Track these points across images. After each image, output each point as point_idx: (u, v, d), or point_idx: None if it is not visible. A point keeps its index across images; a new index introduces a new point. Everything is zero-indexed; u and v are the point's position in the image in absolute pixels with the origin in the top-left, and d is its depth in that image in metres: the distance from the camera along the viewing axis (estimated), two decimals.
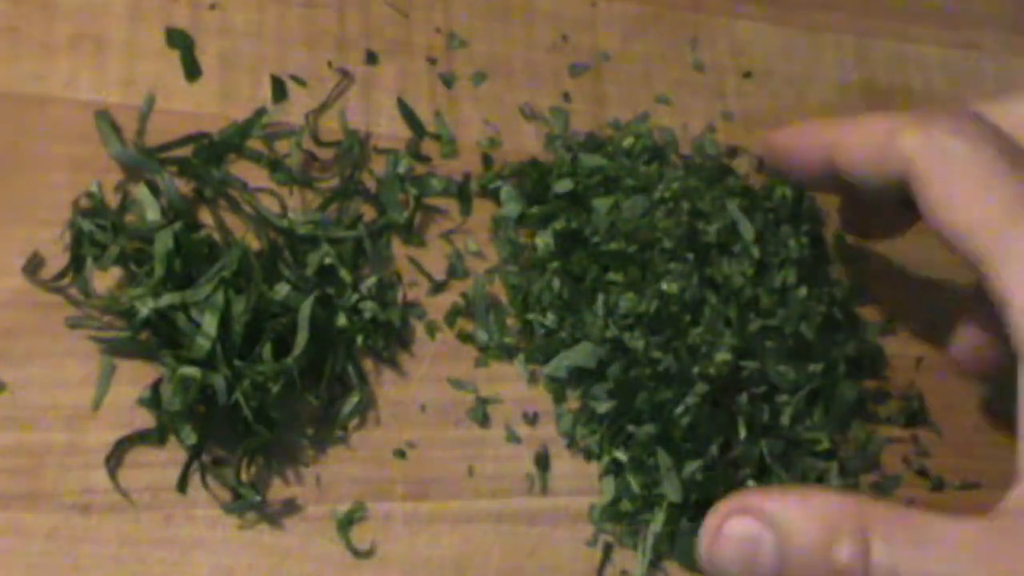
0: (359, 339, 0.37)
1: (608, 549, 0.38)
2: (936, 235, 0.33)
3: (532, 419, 0.39)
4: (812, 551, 0.29)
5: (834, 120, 0.38)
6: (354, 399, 0.37)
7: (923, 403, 0.44)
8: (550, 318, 0.38)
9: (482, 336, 0.39)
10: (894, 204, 0.36)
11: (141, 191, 0.36)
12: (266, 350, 0.34)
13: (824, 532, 0.29)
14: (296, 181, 0.39)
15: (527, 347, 0.39)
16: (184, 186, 0.37)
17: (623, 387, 0.37)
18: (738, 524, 0.30)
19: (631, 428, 0.37)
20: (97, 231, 0.35)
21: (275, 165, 0.39)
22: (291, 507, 0.35)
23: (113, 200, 0.37)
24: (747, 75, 0.49)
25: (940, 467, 0.43)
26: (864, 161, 0.35)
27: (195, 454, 0.34)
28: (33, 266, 0.35)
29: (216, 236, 0.37)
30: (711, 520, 0.30)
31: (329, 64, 0.42)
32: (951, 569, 0.27)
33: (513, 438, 0.38)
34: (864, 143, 0.35)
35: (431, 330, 0.39)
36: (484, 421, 0.38)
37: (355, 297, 0.37)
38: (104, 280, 0.35)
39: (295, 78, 0.41)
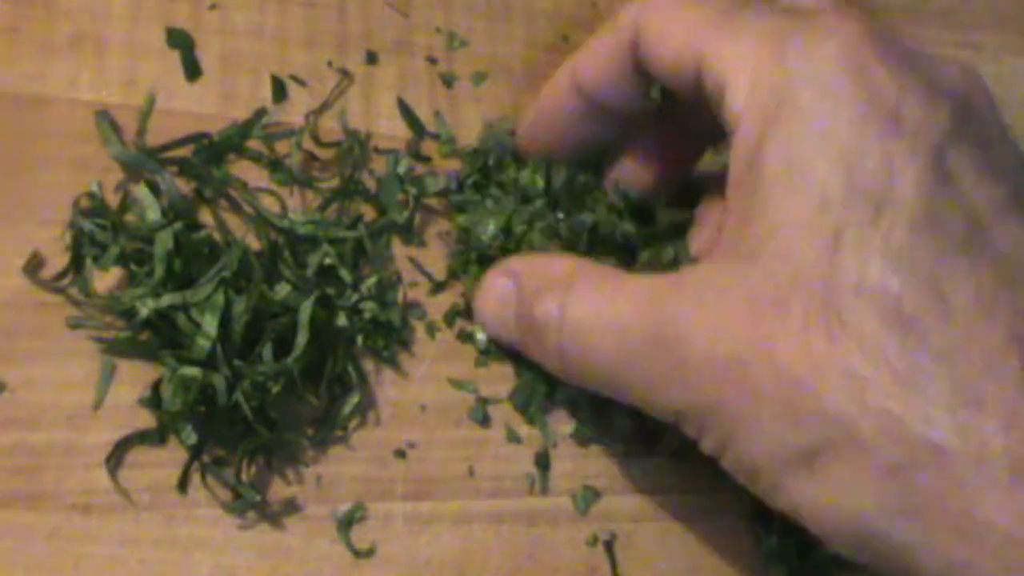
0: (359, 339, 0.37)
1: (610, 549, 0.38)
2: (667, 83, 0.33)
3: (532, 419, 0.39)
4: (526, 304, 0.34)
5: (565, 65, 0.37)
6: (354, 399, 0.37)
7: None
8: None
9: (481, 337, 0.39)
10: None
11: (141, 191, 0.36)
12: (266, 350, 0.34)
13: (537, 286, 0.34)
14: (296, 181, 0.39)
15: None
16: (184, 186, 0.37)
17: None
18: (496, 279, 0.37)
19: None
20: (97, 231, 0.35)
21: (275, 165, 0.39)
22: (291, 507, 0.35)
23: (113, 200, 0.37)
24: None
25: None
26: (608, 69, 0.35)
27: (195, 454, 0.34)
28: (33, 266, 0.35)
29: (216, 236, 0.37)
30: (483, 279, 0.37)
31: (329, 64, 0.42)
32: (620, 316, 0.31)
33: (513, 438, 0.38)
34: (600, 49, 0.35)
35: (431, 330, 0.39)
36: (484, 421, 0.38)
37: (355, 297, 0.37)
38: (104, 280, 0.35)
39: (295, 78, 0.41)
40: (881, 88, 0.28)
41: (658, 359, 0.29)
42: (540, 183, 0.39)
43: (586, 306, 0.32)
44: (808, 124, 0.28)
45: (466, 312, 0.39)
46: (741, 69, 0.29)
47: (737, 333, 0.28)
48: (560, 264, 0.34)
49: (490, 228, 0.39)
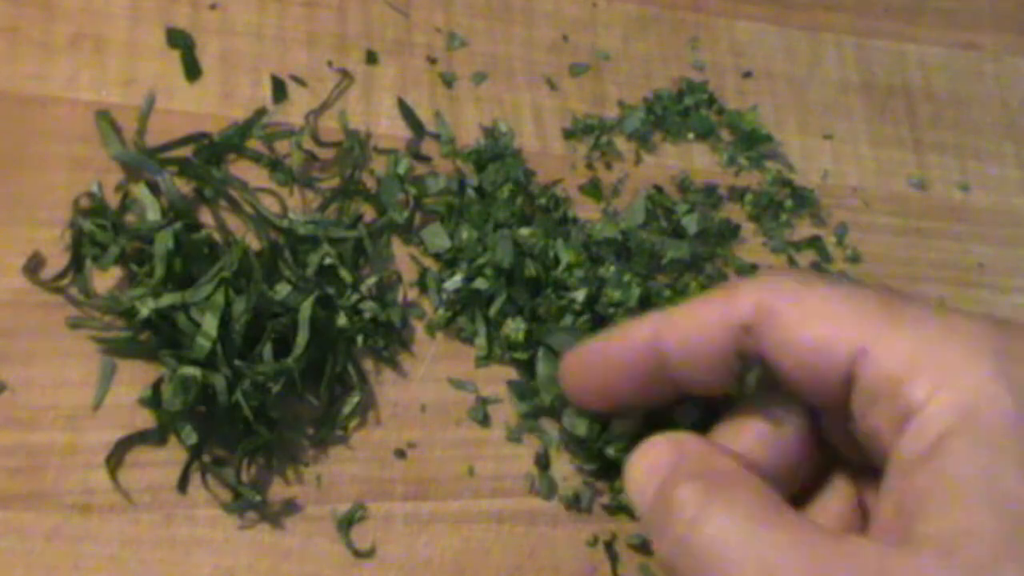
0: (359, 339, 0.37)
1: (610, 549, 0.38)
2: (790, 372, 0.30)
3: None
4: (672, 479, 0.30)
5: (644, 319, 0.33)
6: (354, 399, 0.37)
7: None
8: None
9: (482, 337, 0.39)
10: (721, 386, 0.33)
11: (141, 191, 0.36)
12: (266, 350, 0.34)
13: (693, 468, 0.30)
14: (296, 181, 0.39)
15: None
16: (184, 186, 0.37)
17: None
18: (657, 446, 0.32)
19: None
20: (97, 231, 0.35)
21: (275, 165, 0.39)
22: (291, 507, 0.35)
23: (113, 200, 0.37)
24: (747, 75, 0.49)
25: None
26: (703, 343, 0.31)
27: (195, 454, 0.34)
28: (33, 266, 0.35)
29: (216, 236, 0.37)
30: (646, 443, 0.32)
31: (329, 64, 0.42)
32: (772, 555, 0.27)
33: (513, 438, 0.38)
34: (696, 321, 0.32)
35: (431, 330, 0.39)
36: (484, 421, 0.38)
37: (355, 297, 0.37)
38: (104, 280, 0.35)
39: (295, 78, 0.41)
40: None
41: None
42: None
43: (734, 521, 0.28)
44: (1013, 441, 0.26)
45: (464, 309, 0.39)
46: (925, 364, 0.27)
47: None
48: (723, 460, 0.31)
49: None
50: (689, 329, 0.32)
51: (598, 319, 0.39)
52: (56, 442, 0.34)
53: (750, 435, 0.32)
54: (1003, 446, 0.26)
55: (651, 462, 0.31)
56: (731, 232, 0.44)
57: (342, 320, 0.36)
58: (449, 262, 0.40)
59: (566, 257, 0.39)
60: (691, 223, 0.43)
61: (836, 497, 0.33)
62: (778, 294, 0.30)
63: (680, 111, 0.47)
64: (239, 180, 0.38)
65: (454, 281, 0.39)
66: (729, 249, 0.44)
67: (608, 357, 0.34)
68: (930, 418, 0.27)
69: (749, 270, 0.44)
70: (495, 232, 0.39)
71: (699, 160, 0.46)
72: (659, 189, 0.44)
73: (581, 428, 0.37)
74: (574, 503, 0.38)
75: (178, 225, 0.35)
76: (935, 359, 0.27)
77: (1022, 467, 0.26)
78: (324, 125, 0.41)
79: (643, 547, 0.38)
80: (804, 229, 0.47)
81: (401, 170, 0.40)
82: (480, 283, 0.39)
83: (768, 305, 0.30)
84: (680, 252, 0.41)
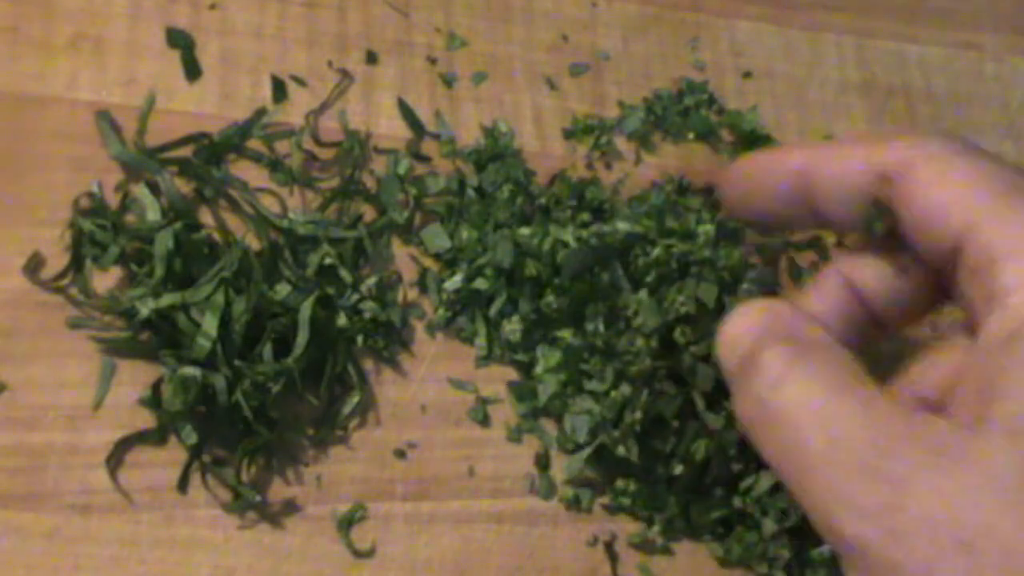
0: (359, 339, 0.37)
1: (611, 551, 0.38)
2: (912, 230, 0.31)
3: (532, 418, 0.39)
4: (762, 340, 0.31)
5: (802, 146, 0.36)
6: (354, 399, 0.37)
7: None
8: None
9: (482, 337, 0.39)
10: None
11: (141, 191, 0.36)
12: (266, 350, 0.34)
13: (782, 330, 0.31)
14: (296, 181, 0.39)
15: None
16: (184, 186, 0.37)
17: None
18: (749, 310, 0.33)
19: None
20: (97, 231, 0.35)
21: (275, 165, 0.39)
22: (291, 507, 0.35)
23: (113, 200, 0.37)
24: (747, 75, 0.49)
25: None
26: (845, 180, 0.33)
27: (195, 454, 0.34)
28: (33, 266, 0.35)
29: (216, 236, 0.37)
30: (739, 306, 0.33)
31: (329, 64, 0.42)
32: (844, 423, 0.28)
33: (513, 438, 0.38)
34: (845, 159, 0.33)
35: (431, 330, 0.39)
36: (484, 421, 0.38)
37: (355, 297, 0.37)
38: (104, 280, 0.35)
39: (295, 78, 0.41)
40: None
41: (867, 491, 0.27)
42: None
43: (811, 388, 0.29)
44: None
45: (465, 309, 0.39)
46: (1020, 249, 0.28)
47: (970, 507, 0.26)
48: (813, 329, 0.32)
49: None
50: (835, 166, 0.33)
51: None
52: (56, 442, 0.34)
53: (869, 272, 0.33)
54: None
55: (744, 325, 0.32)
56: (733, 234, 0.44)
57: (342, 320, 0.36)
58: (449, 262, 0.40)
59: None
60: (709, 231, 0.42)
61: (936, 368, 0.33)
62: (922, 153, 0.31)
63: (680, 111, 0.47)
64: (239, 180, 0.38)
65: (454, 281, 0.39)
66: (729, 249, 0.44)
67: (762, 172, 0.35)
68: (1019, 303, 0.27)
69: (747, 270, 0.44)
70: (495, 232, 0.39)
71: (699, 160, 0.46)
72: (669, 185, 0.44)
73: (582, 433, 0.38)
74: (574, 503, 0.38)
75: (178, 225, 0.35)
76: None
77: None
78: (324, 125, 0.41)
79: (643, 547, 0.38)
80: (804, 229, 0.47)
81: (401, 170, 0.40)
82: (480, 283, 0.39)
83: (909, 160, 0.31)
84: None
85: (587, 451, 0.38)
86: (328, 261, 0.37)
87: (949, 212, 0.30)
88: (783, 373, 0.30)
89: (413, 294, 0.39)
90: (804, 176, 0.34)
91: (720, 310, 0.40)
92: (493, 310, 0.39)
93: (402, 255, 0.40)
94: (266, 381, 0.34)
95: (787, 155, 0.35)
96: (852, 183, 0.33)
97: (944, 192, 0.30)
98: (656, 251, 0.40)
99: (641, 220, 0.41)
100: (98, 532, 0.33)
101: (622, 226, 0.40)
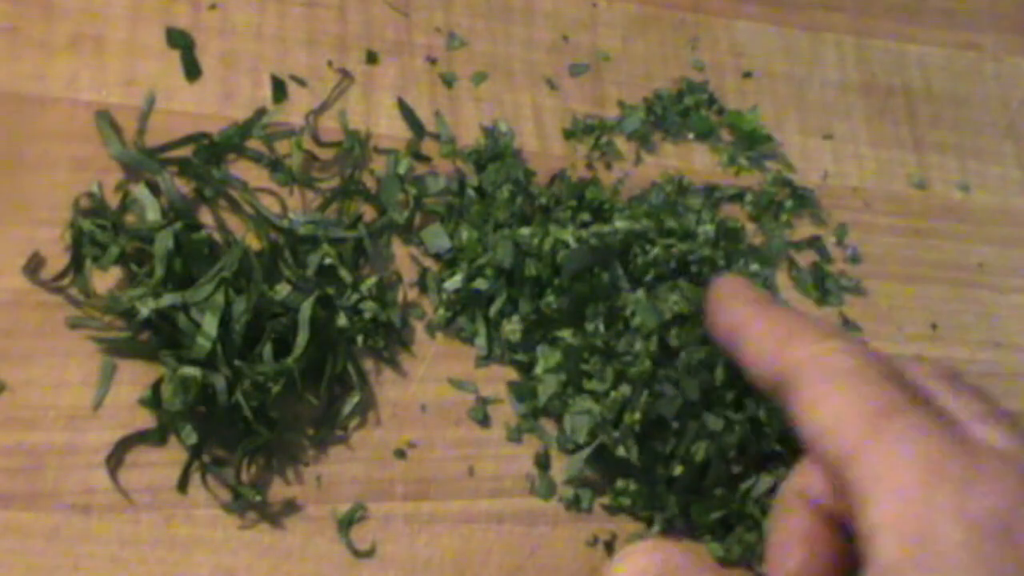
0: (359, 339, 0.37)
1: (610, 549, 0.38)
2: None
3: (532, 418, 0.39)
4: None
5: (752, 297, 0.36)
6: (354, 399, 0.37)
7: None
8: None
9: (482, 337, 0.39)
10: None
11: (141, 191, 0.36)
12: (266, 350, 0.34)
13: None
14: (296, 181, 0.39)
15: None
16: (184, 186, 0.37)
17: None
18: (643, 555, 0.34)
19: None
20: (97, 231, 0.35)
21: (275, 165, 0.39)
22: (291, 507, 0.35)
23: (113, 200, 0.37)
24: (747, 75, 0.49)
25: None
26: (757, 358, 0.34)
27: (195, 454, 0.34)
28: (33, 266, 0.35)
29: (216, 236, 0.37)
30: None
31: (329, 64, 0.42)
32: None
33: (513, 438, 0.38)
34: (762, 337, 0.34)
35: (431, 330, 0.39)
36: (484, 421, 0.38)
37: (355, 297, 0.37)
38: (104, 280, 0.35)
39: (295, 78, 0.41)
40: None
41: None
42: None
43: None
44: (959, 572, 0.27)
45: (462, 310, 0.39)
46: (888, 488, 0.28)
47: None
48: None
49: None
50: (749, 353, 0.34)
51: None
52: (56, 442, 0.34)
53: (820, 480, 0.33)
54: None
55: (635, 570, 0.33)
56: (733, 234, 0.44)
57: (342, 320, 0.36)
58: (449, 262, 0.40)
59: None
60: (708, 231, 0.42)
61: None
62: (811, 366, 0.31)
63: (680, 111, 0.47)
64: (239, 180, 0.38)
65: (454, 281, 0.39)
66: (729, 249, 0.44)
67: (714, 310, 0.36)
68: (884, 546, 0.28)
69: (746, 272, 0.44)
70: (495, 232, 0.39)
71: (699, 160, 0.46)
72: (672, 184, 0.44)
73: (581, 433, 0.38)
74: (574, 503, 0.38)
75: (178, 225, 0.35)
76: (899, 483, 0.28)
77: None
78: (324, 125, 0.41)
79: None
80: (804, 229, 0.47)
81: (401, 170, 0.40)
82: (480, 283, 0.39)
83: (798, 374, 0.32)
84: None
85: (587, 451, 0.38)
86: (328, 261, 0.37)
87: (826, 441, 0.30)
88: None
89: (413, 294, 0.39)
90: (735, 332, 0.35)
91: None
92: (493, 310, 0.39)
93: (402, 255, 0.40)
94: (266, 381, 0.34)
95: (723, 312, 0.36)
96: (760, 373, 0.33)
97: (821, 418, 0.30)
98: (655, 250, 0.40)
99: (640, 219, 0.41)
100: (98, 532, 0.33)
101: (621, 225, 0.40)
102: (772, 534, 0.34)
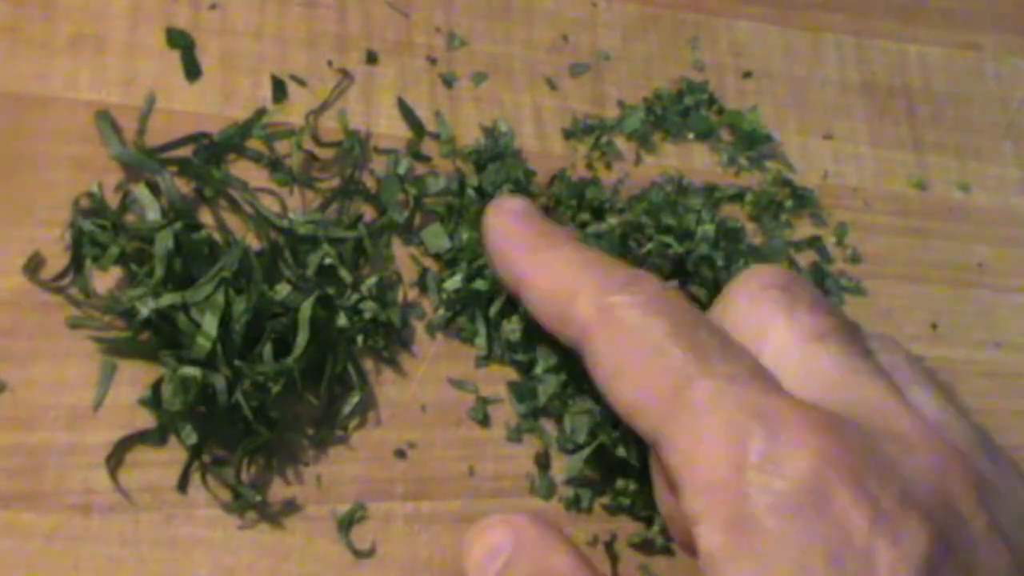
0: (359, 339, 0.37)
1: (610, 549, 0.38)
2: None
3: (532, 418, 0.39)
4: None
5: (529, 240, 0.34)
6: (354, 399, 0.37)
7: None
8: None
9: (482, 337, 0.39)
10: None
11: (141, 191, 0.36)
12: (266, 350, 0.34)
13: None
14: (296, 181, 0.39)
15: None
16: (184, 186, 0.37)
17: None
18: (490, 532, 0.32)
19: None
20: (97, 231, 0.35)
21: (275, 165, 0.39)
22: (291, 507, 0.35)
23: (113, 200, 0.37)
24: (747, 75, 0.49)
25: None
26: (546, 318, 0.32)
27: (195, 454, 0.34)
28: (33, 266, 0.35)
29: (216, 236, 0.37)
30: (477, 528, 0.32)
31: (329, 64, 0.42)
32: None
33: (513, 438, 0.38)
34: (546, 295, 0.32)
35: (431, 330, 0.39)
36: (484, 421, 0.38)
37: (355, 297, 0.37)
38: (104, 280, 0.35)
39: (295, 78, 0.41)
40: (850, 523, 0.25)
41: None
42: None
43: None
44: (779, 564, 0.25)
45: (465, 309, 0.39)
46: (696, 476, 0.27)
47: None
48: (560, 558, 0.31)
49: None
50: (538, 299, 0.33)
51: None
52: (56, 442, 0.34)
53: None
54: (768, 563, 0.25)
55: (487, 547, 0.31)
56: (733, 234, 0.44)
57: (342, 320, 0.36)
58: (449, 262, 0.40)
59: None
60: (708, 231, 0.42)
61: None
62: (603, 330, 0.30)
63: (680, 111, 0.47)
64: (239, 180, 0.38)
65: (454, 281, 0.39)
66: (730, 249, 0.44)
67: (491, 250, 0.36)
68: (703, 537, 0.27)
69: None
70: None
71: (699, 160, 0.46)
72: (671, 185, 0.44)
73: (581, 433, 0.38)
74: (574, 503, 0.38)
75: (178, 225, 0.35)
76: (707, 467, 0.27)
77: None
78: (324, 125, 0.41)
79: (643, 547, 0.38)
80: (804, 229, 0.47)
81: (401, 170, 0.40)
82: (480, 284, 0.39)
83: (592, 341, 0.30)
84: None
85: (587, 451, 0.38)
86: (328, 261, 0.37)
87: (632, 418, 0.29)
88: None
89: (413, 294, 0.39)
90: (518, 284, 0.33)
91: None
92: (493, 310, 0.39)
93: (402, 255, 0.40)
94: (266, 381, 0.34)
95: (502, 263, 0.34)
96: (554, 330, 0.32)
97: (620, 394, 0.29)
98: (649, 245, 0.40)
99: (636, 211, 0.41)
100: (98, 532, 0.33)
101: (613, 220, 0.40)
102: (652, 471, 0.33)
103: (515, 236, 0.34)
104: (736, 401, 0.27)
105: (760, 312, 0.30)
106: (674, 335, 0.29)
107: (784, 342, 0.29)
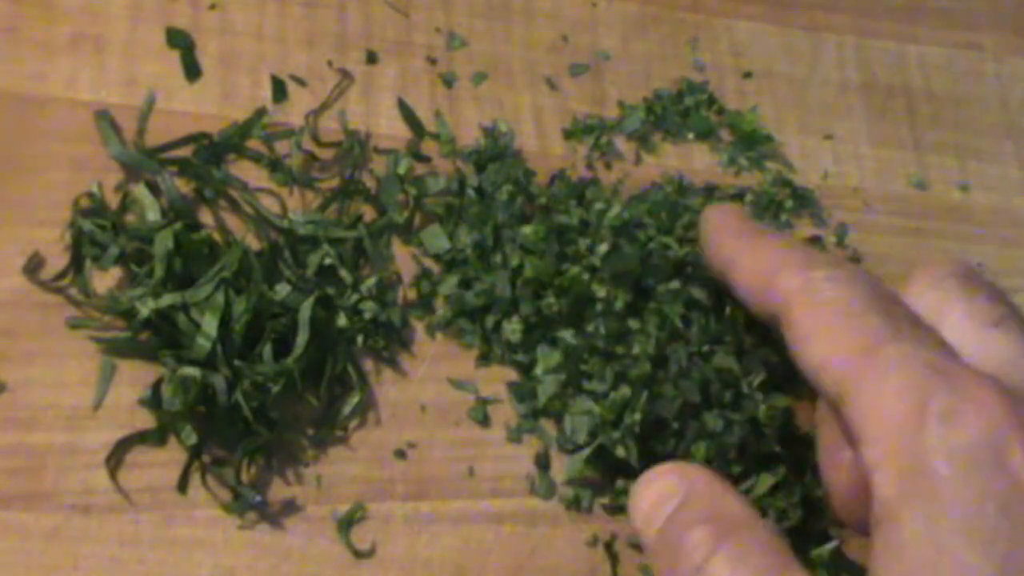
0: (359, 339, 0.37)
1: (611, 551, 0.38)
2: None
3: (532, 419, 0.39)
4: (681, 520, 0.31)
5: (740, 229, 0.36)
6: (354, 399, 0.37)
7: None
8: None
9: (481, 338, 0.39)
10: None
11: (141, 191, 0.36)
12: (266, 350, 0.34)
13: (702, 512, 0.31)
14: (296, 181, 0.39)
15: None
16: (184, 186, 0.37)
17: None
18: (665, 477, 0.32)
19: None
20: (97, 231, 0.35)
21: (275, 165, 0.39)
22: (291, 507, 0.35)
23: (113, 200, 0.37)
24: (747, 75, 0.49)
25: None
26: (749, 291, 0.34)
27: (195, 454, 0.34)
28: (33, 266, 0.35)
29: (216, 236, 0.37)
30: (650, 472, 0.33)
31: (329, 64, 0.42)
32: None
33: (513, 438, 0.38)
34: (752, 271, 0.34)
35: (431, 330, 0.39)
36: (484, 421, 0.38)
37: (355, 297, 0.37)
38: (104, 280, 0.35)
39: (295, 78, 0.41)
40: (1023, 480, 0.27)
41: None
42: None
43: (739, 573, 0.29)
44: (953, 509, 0.27)
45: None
46: (878, 426, 0.28)
47: None
48: (733, 504, 0.31)
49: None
50: (743, 275, 0.34)
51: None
52: (56, 442, 0.34)
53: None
54: (941, 518, 0.27)
55: (659, 493, 0.32)
56: None
57: (342, 320, 0.36)
58: (449, 263, 0.40)
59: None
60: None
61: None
62: (803, 302, 0.31)
63: (680, 111, 0.47)
64: (239, 180, 0.38)
65: (449, 285, 0.39)
66: None
67: (707, 242, 0.37)
68: (880, 484, 0.28)
69: None
70: (492, 232, 0.39)
71: (699, 160, 0.46)
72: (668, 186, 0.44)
73: (581, 434, 0.38)
74: (574, 503, 0.38)
75: (178, 225, 0.35)
76: (888, 420, 0.28)
77: (963, 534, 0.26)
78: (324, 125, 0.41)
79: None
80: (804, 229, 0.47)
81: (401, 170, 0.40)
82: (477, 300, 0.39)
83: (791, 311, 0.32)
84: None
85: (587, 451, 0.38)
86: (328, 261, 0.37)
87: (819, 379, 0.30)
88: (708, 556, 0.29)
89: (413, 294, 0.39)
90: (727, 265, 0.35)
91: (720, 310, 0.40)
92: (489, 322, 0.39)
93: (402, 255, 0.40)
94: (266, 381, 0.34)
95: (714, 248, 0.36)
96: (756, 309, 0.34)
97: (812, 355, 0.30)
98: (651, 245, 0.40)
99: (636, 211, 0.41)
100: (98, 532, 0.33)
101: (613, 211, 0.40)
102: (819, 439, 0.34)
103: (728, 223, 0.36)
104: (922, 361, 0.29)
105: (940, 296, 0.32)
106: (871, 304, 0.30)
107: (963, 325, 0.31)
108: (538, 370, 0.39)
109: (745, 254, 0.35)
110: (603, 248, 0.39)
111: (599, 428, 0.37)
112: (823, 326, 0.31)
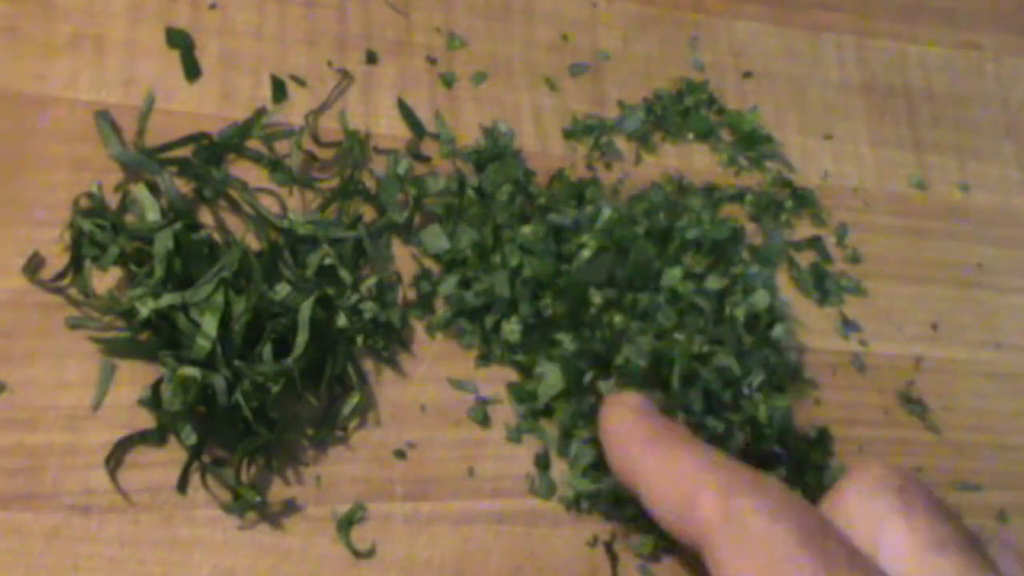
0: (359, 339, 0.37)
1: (611, 551, 0.38)
2: None
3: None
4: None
5: (646, 436, 0.33)
6: (354, 399, 0.37)
7: (923, 404, 0.44)
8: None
9: (481, 338, 0.39)
10: None
11: (141, 191, 0.36)
12: (266, 350, 0.34)
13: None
14: (296, 181, 0.39)
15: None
16: (184, 186, 0.37)
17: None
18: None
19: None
20: (97, 231, 0.35)
21: (275, 165, 0.39)
22: (291, 507, 0.35)
23: (113, 200, 0.37)
24: (747, 75, 0.49)
25: (939, 467, 0.43)
26: (664, 512, 0.32)
27: (195, 454, 0.34)
28: (33, 266, 0.35)
29: (216, 236, 0.37)
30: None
31: (329, 64, 0.42)
32: None
33: (513, 438, 0.38)
34: (666, 490, 0.31)
35: (431, 330, 0.39)
36: (484, 421, 0.38)
37: (355, 297, 0.37)
38: (104, 280, 0.35)
39: (295, 78, 0.41)
40: None
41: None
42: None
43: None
44: None
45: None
46: None
47: None
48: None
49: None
50: (658, 500, 0.32)
51: None
52: (56, 442, 0.34)
53: None
54: None
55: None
56: (734, 236, 0.44)
57: (342, 320, 0.36)
58: (449, 263, 0.40)
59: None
60: (693, 233, 0.42)
61: None
62: (727, 535, 0.29)
63: (680, 111, 0.47)
64: (239, 180, 0.38)
65: (448, 285, 0.39)
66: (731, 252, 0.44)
67: (607, 447, 0.36)
68: None
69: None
70: (492, 232, 0.39)
71: (699, 160, 0.46)
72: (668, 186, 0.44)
73: (588, 456, 0.38)
74: (574, 503, 0.38)
75: (178, 225, 0.35)
76: None
77: None
78: (324, 125, 0.41)
79: (643, 547, 0.38)
80: (804, 229, 0.47)
81: (401, 170, 0.40)
82: (476, 300, 0.39)
83: (715, 544, 0.29)
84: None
85: (587, 454, 0.38)
86: (328, 261, 0.37)
87: None
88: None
89: (413, 294, 0.39)
90: (637, 484, 0.33)
91: (720, 310, 0.40)
92: (489, 322, 0.39)
93: (402, 255, 0.40)
94: (266, 381, 0.34)
95: (617, 454, 0.34)
96: (670, 529, 0.31)
97: None
98: (638, 230, 0.40)
99: (636, 211, 0.41)
100: (98, 532, 0.33)
101: (604, 215, 0.40)
102: None
103: (632, 431, 0.34)
104: None
105: (874, 510, 0.30)
106: (803, 543, 0.28)
107: (902, 549, 0.29)
108: (538, 370, 0.38)
109: (656, 469, 0.32)
110: (586, 253, 0.39)
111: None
112: (753, 569, 0.28)
